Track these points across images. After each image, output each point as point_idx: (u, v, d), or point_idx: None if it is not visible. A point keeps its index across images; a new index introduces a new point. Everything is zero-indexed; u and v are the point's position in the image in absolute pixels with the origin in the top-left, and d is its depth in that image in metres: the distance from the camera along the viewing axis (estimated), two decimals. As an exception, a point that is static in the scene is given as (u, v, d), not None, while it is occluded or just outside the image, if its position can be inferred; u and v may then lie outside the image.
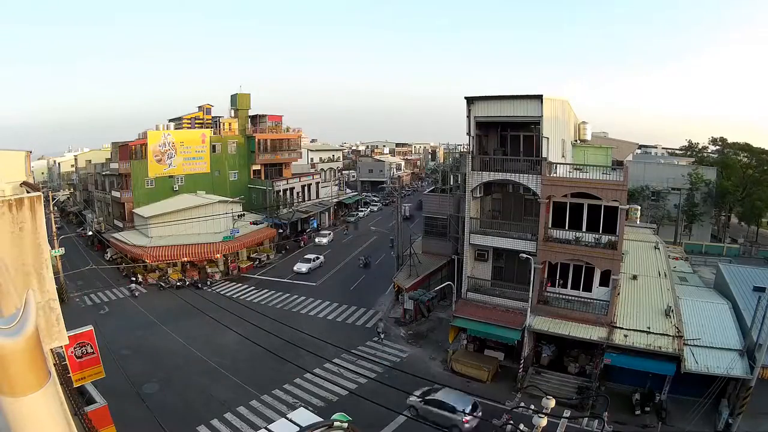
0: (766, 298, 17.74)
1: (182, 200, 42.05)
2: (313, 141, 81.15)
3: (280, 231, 47.15)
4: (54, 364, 5.70)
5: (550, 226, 21.90)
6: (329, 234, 51.16)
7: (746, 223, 52.88)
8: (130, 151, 43.39)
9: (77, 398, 11.13)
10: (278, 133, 53.44)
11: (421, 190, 72.81)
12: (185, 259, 37.57)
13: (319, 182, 57.82)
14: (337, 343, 23.01)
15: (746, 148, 52.04)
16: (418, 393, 19.20)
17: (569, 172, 22.75)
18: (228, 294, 34.60)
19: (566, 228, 21.83)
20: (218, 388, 21.54)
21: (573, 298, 21.82)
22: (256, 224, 43.76)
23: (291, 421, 6.07)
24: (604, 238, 20.87)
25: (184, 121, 52.86)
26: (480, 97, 22.83)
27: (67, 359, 12.30)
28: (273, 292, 35.18)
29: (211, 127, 51.54)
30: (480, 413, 18.29)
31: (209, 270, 38.69)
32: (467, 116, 23.02)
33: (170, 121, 50.43)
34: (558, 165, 22.24)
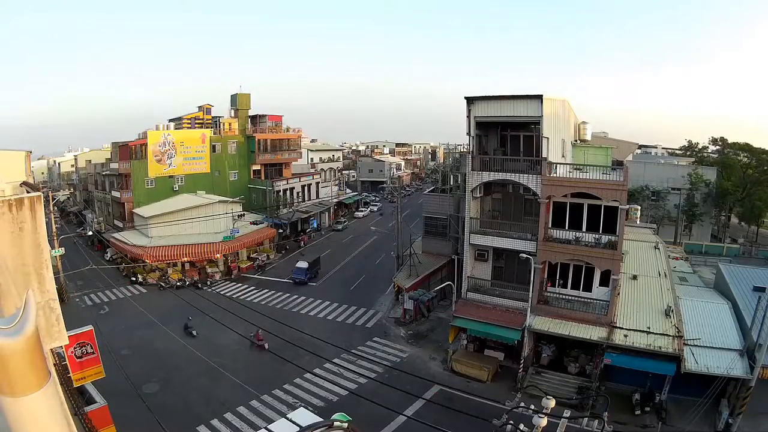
0: (766, 298, 17.74)
1: (182, 200, 42.06)
2: (313, 141, 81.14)
3: (280, 231, 47.16)
4: (54, 364, 5.70)
5: (550, 226, 21.91)
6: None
7: (746, 223, 52.90)
8: (130, 151, 43.43)
9: (77, 398, 11.15)
10: (278, 133, 53.45)
11: (420, 191, 72.86)
12: (185, 259, 37.58)
13: (319, 182, 57.82)
14: (337, 343, 23.02)
15: (746, 148, 52.03)
16: None
17: (569, 172, 22.76)
18: (228, 294, 34.60)
19: (566, 228, 21.84)
20: (218, 388, 21.54)
21: (573, 298, 21.83)
22: (256, 224, 43.78)
23: (291, 421, 6.06)
24: (604, 238, 20.88)
25: (184, 121, 52.90)
26: (480, 97, 22.83)
27: (67, 359, 12.30)
28: (273, 292, 35.19)
29: (211, 127, 51.56)
30: None
31: (209, 270, 38.69)
32: (467, 116, 23.02)
33: (170, 121, 50.48)
34: (558, 165, 22.24)
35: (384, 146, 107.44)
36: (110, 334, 25.34)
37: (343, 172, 79.21)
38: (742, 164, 51.26)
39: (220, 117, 53.24)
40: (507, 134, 24.75)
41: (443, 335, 26.20)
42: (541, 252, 21.59)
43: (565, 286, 22.47)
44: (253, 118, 53.04)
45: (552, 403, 8.77)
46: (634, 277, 23.75)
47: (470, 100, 22.80)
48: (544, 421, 8.32)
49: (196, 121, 52.89)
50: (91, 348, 12.79)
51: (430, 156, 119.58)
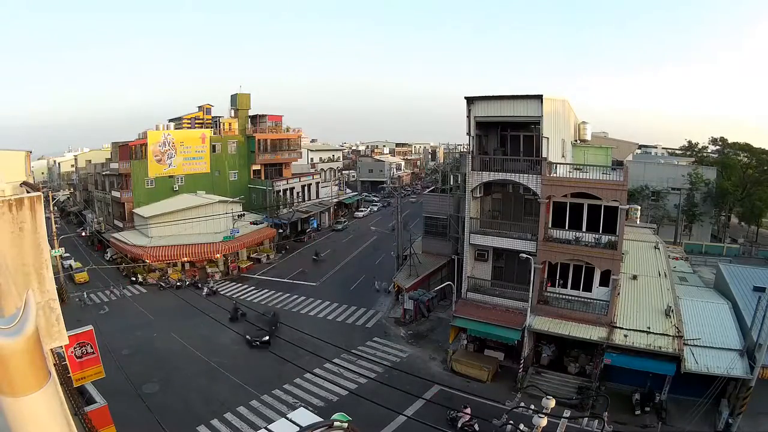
0: (766, 298, 17.73)
1: (182, 200, 42.06)
2: (313, 141, 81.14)
3: (280, 231, 47.15)
4: (54, 364, 5.70)
5: (550, 226, 21.90)
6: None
7: (746, 223, 52.88)
8: (130, 151, 43.43)
9: (77, 398, 11.15)
10: (278, 133, 53.45)
11: (420, 191, 72.85)
12: (185, 259, 37.58)
13: (319, 182, 57.80)
14: (337, 343, 23.00)
15: (746, 148, 52.01)
16: None
17: (569, 172, 22.75)
18: (228, 294, 34.61)
19: (566, 228, 21.83)
20: (218, 388, 21.53)
21: (573, 298, 21.82)
22: (256, 224, 43.78)
23: (291, 421, 6.06)
24: (604, 238, 20.88)
25: (184, 121, 52.90)
26: (480, 97, 22.82)
27: (67, 359, 12.31)
28: (273, 291, 35.19)
29: (211, 127, 51.56)
30: None
31: (209, 270, 38.69)
32: (467, 116, 23.01)
33: (170, 121, 50.48)
34: (558, 165, 22.23)
35: (384, 146, 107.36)
36: (110, 334, 25.36)
37: (343, 172, 79.18)
38: (742, 164, 51.24)
39: (220, 117, 53.25)
40: (507, 134, 24.74)
41: (443, 335, 26.19)
42: (541, 252, 21.58)
43: (565, 286, 22.46)
44: (253, 118, 53.04)
45: (552, 403, 8.78)
46: (634, 277, 23.74)
47: (470, 100, 22.79)
48: (544, 421, 8.33)
49: (196, 121, 52.89)
50: (91, 348, 12.80)
51: (430, 156, 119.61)
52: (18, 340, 1.67)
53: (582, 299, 21.53)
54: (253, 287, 36.45)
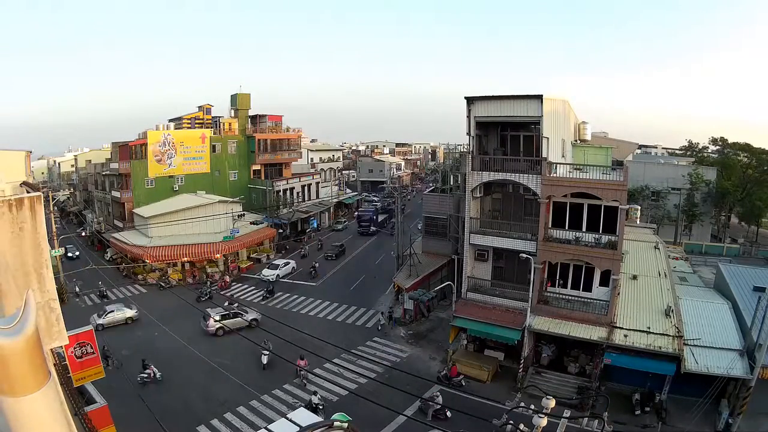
0: (766, 298, 17.74)
1: (182, 200, 42.04)
2: (313, 141, 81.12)
3: (280, 231, 47.15)
4: (54, 364, 5.70)
5: (550, 226, 21.89)
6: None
7: (746, 223, 52.88)
8: (130, 151, 43.40)
9: (77, 398, 11.14)
10: (278, 133, 53.43)
11: (420, 191, 72.79)
12: (185, 259, 37.57)
13: (319, 182, 57.78)
14: (337, 343, 23.00)
15: (746, 148, 51.97)
16: None
17: (569, 172, 22.75)
18: (228, 294, 34.61)
19: (566, 228, 21.83)
20: (218, 388, 21.53)
21: (573, 298, 21.82)
22: (256, 224, 43.77)
23: (291, 421, 6.07)
24: (604, 238, 20.87)
25: (184, 121, 52.88)
26: (480, 97, 22.82)
27: (67, 359, 12.31)
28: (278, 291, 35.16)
29: (211, 127, 51.54)
30: None
31: (209, 270, 38.69)
32: (467, 116, 23.01)
33: (170, 121, 50.46)
34: (558, 165, 22.23)
35: (384, 146, 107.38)
36: (110, 334, 25.37)
37: (343, 172, 79.13)
38: (742, 164, 51.24)
39: (220, 117, 53.24)
40: (507, 134, 24.73)
41: (443, 335, 26.19)
42: (541, 252, 21.58)
43: (565, 286, 22.46)
44: (253, 118, 53.03)
45: (552, 403, 8.77)
46: (634, 277, 23.73)
47: (470, 100, 22.79)
48: (544, 421, 8.33)
49: (196, 121, 52.87)
50: (91, 348, 12.81)
51: (430, 156, 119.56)
52: (18, 340, 1.67)
53: (582, 299, 21.52)
54: (252, 287, 36.43)
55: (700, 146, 63.31)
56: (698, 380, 18.10)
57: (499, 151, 24.47)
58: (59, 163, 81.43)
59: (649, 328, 19.95)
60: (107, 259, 42.95)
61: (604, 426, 16.61)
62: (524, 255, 21.53)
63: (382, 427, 18.09)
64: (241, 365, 23.66)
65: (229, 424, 18.96)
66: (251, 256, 42.90)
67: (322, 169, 64.29)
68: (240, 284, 37.47)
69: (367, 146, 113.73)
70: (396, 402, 17.33)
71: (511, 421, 16.82)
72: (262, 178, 51.11)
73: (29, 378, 1.73)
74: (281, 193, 49.87)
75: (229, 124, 50.63)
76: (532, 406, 14.06)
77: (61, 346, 10.93)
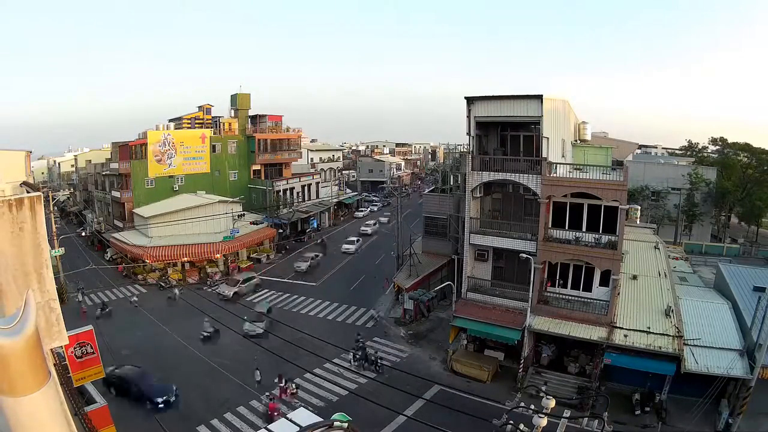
0: (766, 298, 17.74)
1: (182, 200, 42.04)
2: (313, 141, 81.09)
3: (280, 231, 47.13)
4: (54, 364, 5.69)
5: (550, 226, 21.90)
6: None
7: (746, 223, 52.88)
8: (130, 151, 43.39)
9: (77, 398, 11.14)
10: (278, 133, 53.42)
11: (420, 190, 72.79)
12: (185, 259, 37.56)
13: (319, 182, 57.77)
14: (337, 343, 22.98)
15: (746, 148, 51.99)
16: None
17: (569, 172, 22.76)
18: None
19: (566, 228, 21.84)
20: (218, 388, 21.53)
21: (573, 298, 21.82)
22: (256, 224, 43.76)
23: (291, 421, 6.07)
24: (604, 238, 20.88)
25: (184, 121, 52.86)
26: (480, 97, 22.82)
27: (67, 359, 12.31)
28: (273, 292, 35.18)
29: (211, 127, 51.52)
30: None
31: (209, 270, 38.68)
32: (467, 116, 23.01)
33: (170, 121, 50.44)
34: (558, 165, 22.24)
35: (384, 146, 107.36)
36: (110, 334, 25.35)
37: (343, 172, 79.13)
38: (742, 164, 51.24)
39: (220, 117, 53.22)
40: (507, 134, 24.73)
41: (443, 335, 26.18)
42: (541, 252, 21.58)
43: (565, 286, 22.47)
44: (253, 118, 53.03)
45: (552, 403, 8.77)
46: (634, 277, 23.74)
47: (470, 100, 22.79)
48: (544, 421, 8.33)
49: (196, 121, 52.84)
50: (91, 348, 12.81)
51: (430, 156, 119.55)
52: (18, 340, 1.67)
53: (582, 299, 21.53)
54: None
55: (700, 146, 63.36)
56: (698, 380, 18.11)
57: (499, 151, 24.48)
58: (59, 163, 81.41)
59: (649, 328, 19.96)
60: (107, 259, 42.93)
61: (604, 426, 16.56)
62: (524, 255, 21.53)
63: (382, 427, 18.09)
64: (241, 365, 23.65)
65: (229, 424, 18.96)
66: (251, 256, 42.88)
67: (322, 169, 64.32)
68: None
69: (367, 146, 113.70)
70: (396, 402, 17.33)
71: (511, 421, 16.84)
72: (262, 178, 51.10)
73: (29, 378, 1.73)
74: (281, 193, 49.86)
75: (229, 124, 50.62)
76: (532, 406, 14.07)
77: (61, 346, 10.93)
